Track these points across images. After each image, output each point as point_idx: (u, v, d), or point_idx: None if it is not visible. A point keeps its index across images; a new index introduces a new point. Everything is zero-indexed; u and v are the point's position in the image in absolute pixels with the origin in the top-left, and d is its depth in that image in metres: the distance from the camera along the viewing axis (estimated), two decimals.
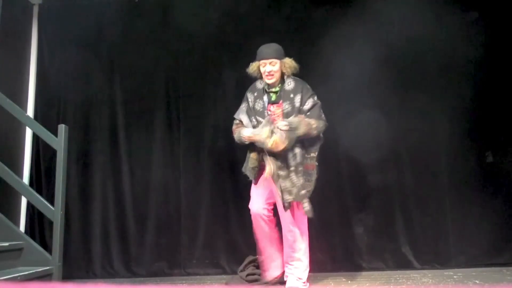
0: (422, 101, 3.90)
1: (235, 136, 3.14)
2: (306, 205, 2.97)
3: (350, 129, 3.75)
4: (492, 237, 3.70)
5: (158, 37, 4.13)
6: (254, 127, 3.06)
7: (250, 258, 3.37)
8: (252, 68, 3.16)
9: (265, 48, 3.12)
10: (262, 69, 3.10)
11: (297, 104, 3.05)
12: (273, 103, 3.11)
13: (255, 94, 3.19)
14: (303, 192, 2.98)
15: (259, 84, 3.21)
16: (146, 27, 4.15)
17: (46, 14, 4.20)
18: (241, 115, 3.17)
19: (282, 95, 3.09)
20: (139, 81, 4.10)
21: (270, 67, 3.07)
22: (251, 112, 3.15)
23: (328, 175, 3.82)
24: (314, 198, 3.77)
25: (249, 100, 3.18)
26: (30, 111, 4.06)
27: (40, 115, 4.05)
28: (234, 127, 3.19)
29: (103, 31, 4.15)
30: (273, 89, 3.13)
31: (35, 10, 4.22)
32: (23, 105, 3.98)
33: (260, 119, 3.07)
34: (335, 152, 3.84)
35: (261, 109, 3.11)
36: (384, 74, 3.90)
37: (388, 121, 3.85)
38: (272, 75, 3.07)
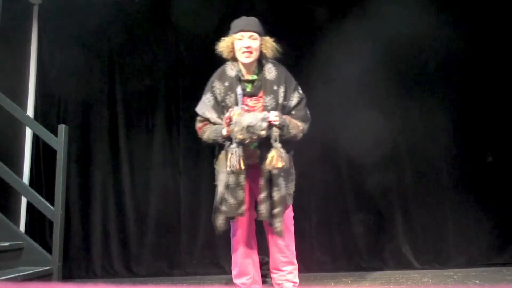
0: (422, 101, 3.91)
1: (205, 135, 2.57)
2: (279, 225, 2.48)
3: (350, 129, 3.75)
4: (492, 237, 3.70)
5: (158, 37, 4.14)
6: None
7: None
8: (225, 44, 2.55)
9: (245, 20, 2.54)
10: (238, 45, 2.50)
11: (281, 99, 2.51)
12: (250, 95, 2.53)
13: (226, 84, 2.53)
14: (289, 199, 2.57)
15: (230, 70, 2.57)
16: (146, 27, 4.15)
17: (46, 14, 4.20)
18: (206, 111, 2.55)
19: (262, 86, 2.51)
20: (139, 81, 4.10)
21: (249, 41, 2.47)
22: (218, 108, 2.54)
23: (328, 175, 3.83)
24: (314, 198, 3.80)
25: (217, 91, 2.55)
26: (30, 111, 4.06)
27: (40, 115, 4.06)
28: (199, 125, 2.62)
29: (103, 31, 4.15)
30: (249, 77, 2.55)
31: (35, 10, 4.22)
32: (23, 105, 3.98)
33: None
34: (335, 152, 3.84)
35: (232, 104, 2.49)
36: (384, 74, 3.90)
37: (388, 121, 3.85)
38: (251, 52, 2.47)
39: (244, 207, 2.48)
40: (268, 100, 2.49)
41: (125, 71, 4.12)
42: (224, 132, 2.45)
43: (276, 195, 2.46)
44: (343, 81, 3.83)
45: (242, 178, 2.47)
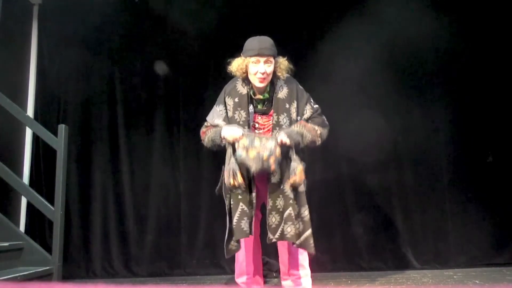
0: (422, 101, 3.91)
1: (206, 138, 2.55)
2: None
3: (350, 129, 3.74)
4: (492, 237, 3.71)
5: (158, 37, 4.13)
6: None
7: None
8: (238, 65, 2.50)
9: (261, 42, 2.46)
10: (253, 69, 2.46)
11: (294, 115, 2.51)
12: (261, 113, 2.54)
13: (236, 100, 2.53)
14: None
15: (240, 87, 2.55)
16: (146, 27, 4.15)
17: (46, 14, 4.19)
18: (216, 119, 2.55)
19: (274, 105, 2.51)
20: (139, 81, 4.10)
21: (265, 67, 2.44)
22: (228, 121, 2.54)
23: (328, 175, 3.83)
24: (314, 198, 3.80)
25: (228, 107, 2.55)
26: (30, 111, 4.06)
27: (40, 115, 4.05)
28: (204, 129, 2.61)
29: (103, 31, 4.15)
30: (261, 96, 2.53)
31: (35, 10, 4.22)
32: (23, 105, 3.98)
33: None
34: (335, 152, 3.83)
35: (242, 122, 2.49)
36: (384, 74, 3.90)
37: (388, 121, 3.85)
38: (266, 77, 2.46)
39: (253, 229, 2.46)
40: (282, 119, 2.49)
41: (125, 71, 4.12)
42: (224, 140, 2.45)
43: (306, 214, 2.44)
44: (344, 81, 3.83)
45: (253, 196, 2.46)
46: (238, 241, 2.45)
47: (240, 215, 2.41)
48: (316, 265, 3.63)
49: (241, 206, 2.42)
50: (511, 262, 3.65)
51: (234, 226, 2.42)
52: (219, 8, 4.07)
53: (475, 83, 3.89)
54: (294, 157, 2.42)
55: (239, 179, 2.38)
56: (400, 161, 3.87)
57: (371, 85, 3.89)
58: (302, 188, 2.46)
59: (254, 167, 2.34)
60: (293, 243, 2.43)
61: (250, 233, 2.42)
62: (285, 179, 2.42)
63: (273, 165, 2.35)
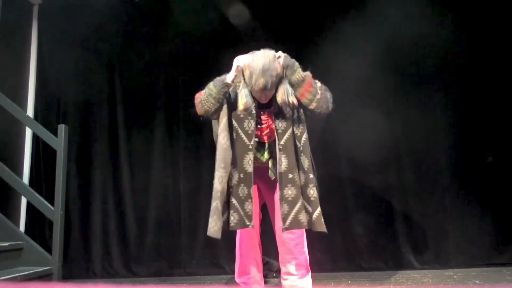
0: (423, 101, 3.91)
1: (203, 92, 2.61)
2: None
3: (351, 129, 3.75)
4: (492, 237, 3.70)
5: (158, 37, 4.14)
6: (232, 139, 2.48)
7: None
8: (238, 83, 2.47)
9: (264, 77, 2.32)
10: (256, 94, 2.43)
11: (295, 100, 2.45)
12: (265, 107, 2.54)
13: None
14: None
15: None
16: (146, 27, 4.15)
17: (46, 14, 4.20)
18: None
19: (273, 99, 2.47)
20: (139, 81, 4.10)
21: (266, 94, 2.42)
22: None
23: (328, 174, 3.82)
24: None
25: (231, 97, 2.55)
26: (30, 111, 4.06)
27: (40, 115, 4.06)
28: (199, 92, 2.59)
29: (103, 31, 4.15)
30: None
31: (35, 10, 4.22)
32: (23, 105, 3.98)
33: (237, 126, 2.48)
34: (335, 152, 3.84)
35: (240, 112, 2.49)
36: (384, 74, 3.91)
37: (388, 121, 3.85)
38: (268, 98, 2.47)
39: (253, 221, 2.45)
40: (285, 108, 2.47)
41: (125, 71, 4.12)
42: (229, 79, 2.46)
43: (312, 193, 2.52)
44: (343, 81, 3.83)
45: (251, 190, 2.47)
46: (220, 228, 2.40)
47: (232, 206, 2.43)
48: (316, 265, 3.64)
49: (232, 201, 2.43)
50: (511, 262, 3.64)
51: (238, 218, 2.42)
52: (219, 7, 4.07)
53: (475, 83, 3.89)
54: (285, 82, 2.41)
55: (248, 101, 2.39)
56: (400, 161, 3.87)
57: (371, 85, 3.89)
58: (306, 167, 2.53)
59: (261, 80, 2.31)
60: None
61: (239, 227, 2.42)
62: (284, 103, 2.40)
63: (275, 76, 2.35)
